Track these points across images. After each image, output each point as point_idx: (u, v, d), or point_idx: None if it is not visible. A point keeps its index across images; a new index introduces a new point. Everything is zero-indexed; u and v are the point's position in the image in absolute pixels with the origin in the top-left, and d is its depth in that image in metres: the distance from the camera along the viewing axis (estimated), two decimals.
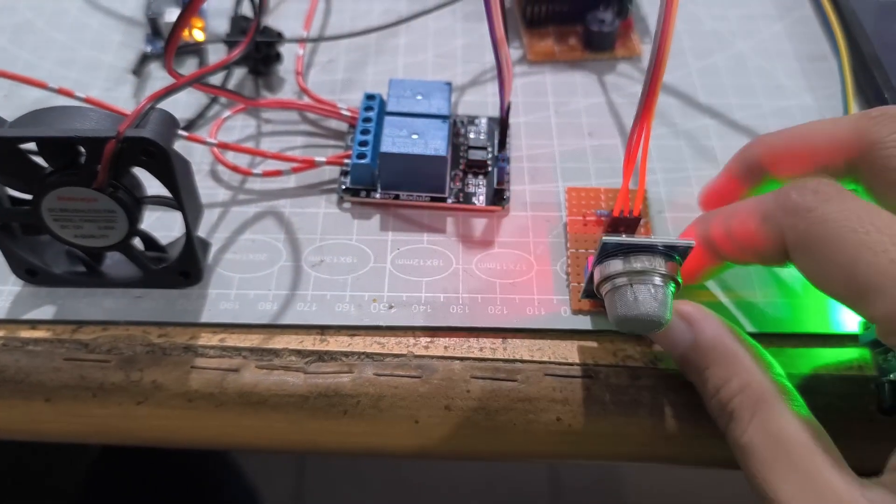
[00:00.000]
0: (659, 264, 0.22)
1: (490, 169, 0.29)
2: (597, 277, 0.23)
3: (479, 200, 0.28)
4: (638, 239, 0.22)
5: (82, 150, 0.23)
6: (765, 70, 0.33)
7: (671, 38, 0.23)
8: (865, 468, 0.22)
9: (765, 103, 0.32)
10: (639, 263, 0.22)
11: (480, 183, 0.28)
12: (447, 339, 0.25)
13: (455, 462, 0.79)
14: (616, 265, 0.22)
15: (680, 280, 0.22)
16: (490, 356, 0.25)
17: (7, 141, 0.22)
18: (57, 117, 0.23)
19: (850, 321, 0.25)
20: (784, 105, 0.32)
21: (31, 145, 0.22)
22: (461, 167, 0.29)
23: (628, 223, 0.26)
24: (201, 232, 0.27)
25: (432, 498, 0.79)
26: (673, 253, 0.22)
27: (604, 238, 0.21)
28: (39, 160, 0.23)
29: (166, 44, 0.23)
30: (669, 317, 0.22)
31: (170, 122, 0.23)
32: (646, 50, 0.34)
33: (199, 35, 0.33)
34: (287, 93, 0.32)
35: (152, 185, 0.23)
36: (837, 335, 0.26)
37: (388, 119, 0.28)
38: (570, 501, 0.79)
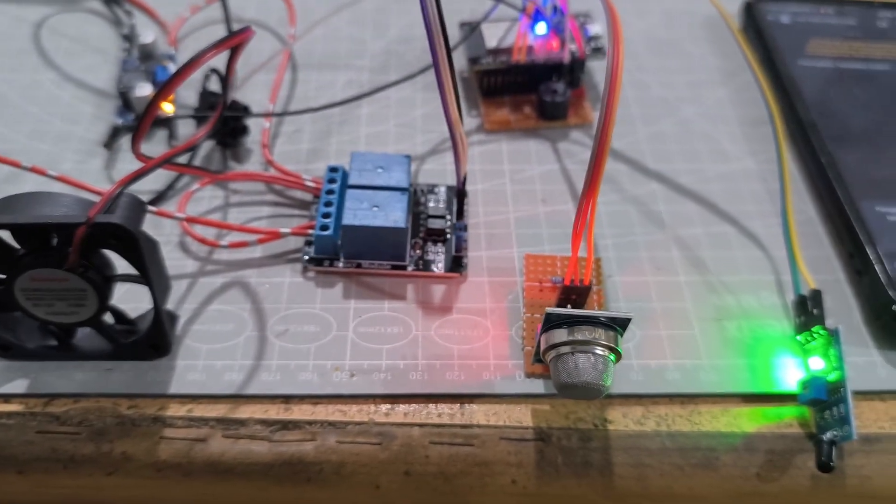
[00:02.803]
0: (600, 335, 0.23)
1: (448, 237, 0.30)
2: (542, 345, 0.24)
3: (439, 268, 0.29)
4: (580, 311, 0.23)
5: (54, 234, 0.24)
6: (709, 135, 0.35)
7: (614, 116, 0.24)
8: None
9: (709, 168, 0.33)
10: (580, 334, 0.23)
11: (439, 250, 0.30)
12: (406, 405, 0.26)
13: None
14: (560, 335, 0.23)
15: (620, 350, 0.24)
16: (448, 422, 0.26)
17: None
18: (30, 203, 0.24)
19: (790, 381, 0.27)
20: (727, 169, 0.33)
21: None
22: (421, 235, 0.30)
23: (579, 291, 0.27)
24: (170, 304, 0.28)
25: None
26: (613, 325, 0.23)
27: (547, 310, 0.23)
28: (13, 242, 0.24)
29: (135, 131, 0.24)
30: (609, 384, 0.23)
31: (137, 206, 0.24)
32: (597, 118, 0.35)
33: (168, 108, 0.35)
34: (254, 164, 0.33)
35: (122, 263, 0.25)
36: (778, 394, 0.27)
37: (349, 192, 0.29)
38: None
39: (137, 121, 0.33)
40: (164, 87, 0.23)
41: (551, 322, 0.23)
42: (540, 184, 0.33)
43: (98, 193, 0.28)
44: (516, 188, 0.33)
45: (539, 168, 0.33)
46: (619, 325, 0.23)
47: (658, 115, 0.36)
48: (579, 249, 0.26)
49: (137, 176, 0.25)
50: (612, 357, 0.23)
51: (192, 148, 0.30)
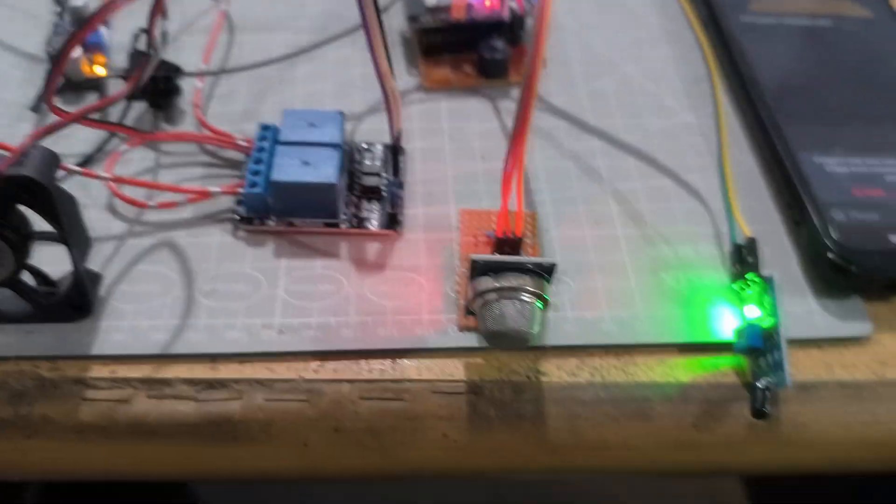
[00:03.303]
0: (526, 282, 0.23)
1: (384, 194, 0.30)
2: (469, 294, 0.23)
3: (373, 225, 0.29)
4: (506, 258, 0.23)
5: None
6: (651, 92, 0.34)
7: (541, 58, 0.24)
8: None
9: (649, 123, 0.33)
10: (507, 281, 0.23)
11: (374, 208, 0.29)
12: (337, 362, 0.26)
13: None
14: (486, 282, 0.23)
15: (548, 297, 0.23)
16: (379, 377, 0.26)
17: None
18: None
19: (726, 330, 0.27)
20: (668, 124, 0.33)
21: None
22: (356, 193, 0.30)
23: (512, 243, 0.27)
24: (96, 265, 0.27)
25: None
26: (540, 271, 0.23)
27: (472, 256, 0.22)
28: None
29: (46, 82, 0.23)
30: (536, 332, 0.23)
31: (50, 159, 0.23)
32: (525, 62, 0.35)
33: (100, 71, 0.34)
34: (187, 125, 0.32)
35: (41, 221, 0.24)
36: (715, 344, 0.27)
37: (279, 148, 0.28)
38: None
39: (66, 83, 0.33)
40: (71, 38, 0.23)
41: (477, 269, 0.23)
42: (479, 141, 0.32)
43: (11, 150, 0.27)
44: (455, 146, 0.32)
45: (479, 126, 0.33)
46: (545, 271, 0.23)
47: (600, 72, 0.35)
48: (510, 201, 0.26)
49: (51, 130, 0.24)
50: (540, 304, 0.23)
51: (112, 103, 0.29)
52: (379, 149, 0.31)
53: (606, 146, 0.32)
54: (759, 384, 0.25)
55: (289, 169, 0.28)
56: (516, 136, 0.25)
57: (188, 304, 0.27)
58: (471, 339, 0.26)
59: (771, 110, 0.32)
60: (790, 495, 0.69)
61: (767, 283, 0.26)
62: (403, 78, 0.35)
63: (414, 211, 0.30)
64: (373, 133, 0.32)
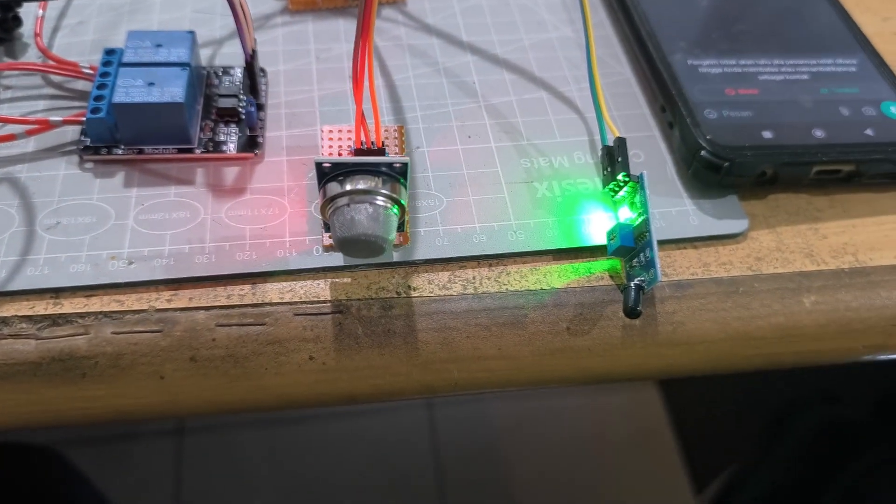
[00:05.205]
0: (379, 184, 0.21)
1: (242, 117, 0.28)
2: (320, 201, 0.22)
3: (230, 149, 0.27)
4: (353, 158, 0.21)
5: None
6: (526, 6, 0.33)
7: None
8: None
9: (525, 38, 0.32)
10: (357, 185, 0.21)
11: (233, 132, 0.28)
12: (192, 290, 0.24)
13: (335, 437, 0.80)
14: (335, 188, 0.21)
15: (404, 202, 0.22)
16: (238, 303, 0.24)
17: None
18: None
19: (597, 235, 0.26)
20: (544, 38, 0.32)
21: None
22: (212, 117, 0.28)
23: (373, 154, 0.25)
24: None
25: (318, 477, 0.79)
26: (394, 173, 0.22)
27: (315, 159, 0.21)
28: None
29: None
30: (392, 238, 0.21)
31: None
32: None
33: None
34: (31, 58, 0.30)
35: None
36: (589, 249, 0.26)
37: (122, 70, 0.26)
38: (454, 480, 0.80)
39: None
40: None
41: (325, 174, 0.21)
42: (348, 62, 0.31)
43: None
44: (322, 67, 0.30)
45: (347, 46, 0.31)
46: (398, 173, 0.22)
47: None
48: (366, 110, 0.24)
49: None
50: (395, 209, 0.22)
51: None
52: (238, 72, 0.29)
53: (481, 62, 0.31)
54: (632, 283, 0.24)
55: (132, 90, 0.26)
56: (363, 25, 0.23)
57: (28, 239, 0.25)
58: (337, 259, 0.25)
59: (644, 14, 0.31)
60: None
61: (637, 181, 0.25)
62: (268, 2, 0.33)
63: (278, 133, 0.28)
64: (233, 58, 0.31)
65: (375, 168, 0.21)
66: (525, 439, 0.84)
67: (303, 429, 0.82)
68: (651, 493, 0.81)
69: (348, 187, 0.21)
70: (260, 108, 0.28)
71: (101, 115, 0.26)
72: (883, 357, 0.27)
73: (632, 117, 0.30)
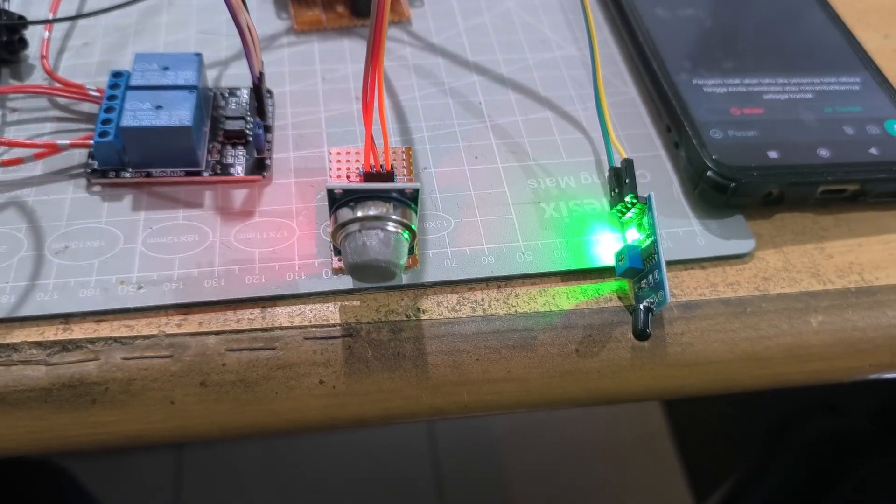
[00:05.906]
0: (390, 210, 0.21)
1: (250, 139, 0.28)
2: (331, 227, 0.22)
3: (238, 171, 0.27)
4: (365, 185, 0.21)
5: None
6: (531, 25, 0.34)
7: None
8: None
9: (530, 57, 0.32)
10: (369, 211, 0.21)
11: (240, 154, 0.28)
12: (202, 314, 0.24)
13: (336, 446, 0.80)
14: (346, 213, 0.21)
15: (414, 227, 0.22)
16: (247, 327, 0.24)
17: None
18: None
19: (608, 256, 0.26)
20: (548, 57, 0.32)
21: None
22: (219, 139, 0.28)
23: (382, 178, 0.25)
24: None
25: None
26: (404, 198, 0.22)
27: (327, 185, 0.21)
28: None
29: None
30: (402, 263, 0.21)
31: None
32: (415, 13, 0.34)
33: None
34: (37, 80, 0.30)
35: None
36: (598, 270, 0.26)
37: (129, 93, 0.26)
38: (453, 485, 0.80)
39: None
40: None
41: (336, 200, 0.22)
42: (354, 82, 0.31)
43: None
44: (329, 87, 0.31)
45: (353, 66, 0.31)
46: (409, 198, 0.22)
47: (478, 8, 0.34)
48: (376, 134, 0.24)
49: None
50: (406, 234, 0.22)
51: None
52: (244, 94, 0.29)
53: (487, 82, 0.31)
54: (640, 305, 0.24)
55: (140, 114, 0.26)
56: (373, 50, 0.23)
57: (37, 263, 0.25)
58: (347, 282, 0.25)
59: (648, 34, 0.31)
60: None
61: (645, 203, 0.25)
62: (273, 22, 0.33)
63: (286, 155, 0.28)
64: (239, 79, 0.31)
65: (386, 194, 0.22)
66: (525, 447, 0.84)
67: (302, 437, 0.82)
68: None
69: (360, 213, 0.21)
70: (267, 129, 0.28)
71: (109, 138, 0.26)
72: (889, 375, 0.27)
73: (637, 137, 0.30)
